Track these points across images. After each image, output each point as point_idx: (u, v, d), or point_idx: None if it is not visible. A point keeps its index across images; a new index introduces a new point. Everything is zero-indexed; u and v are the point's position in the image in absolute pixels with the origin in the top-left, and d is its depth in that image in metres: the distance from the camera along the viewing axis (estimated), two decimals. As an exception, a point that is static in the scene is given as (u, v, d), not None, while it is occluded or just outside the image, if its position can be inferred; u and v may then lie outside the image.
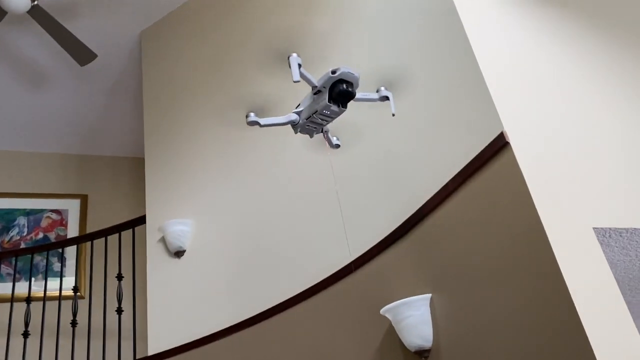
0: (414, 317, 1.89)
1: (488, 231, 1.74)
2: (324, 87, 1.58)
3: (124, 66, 4.13)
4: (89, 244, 4.35)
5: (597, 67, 2.12)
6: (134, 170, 4.93)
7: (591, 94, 2.03)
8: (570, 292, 1.47)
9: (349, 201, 2.42)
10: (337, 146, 1.81)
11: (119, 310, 3.14)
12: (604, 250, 1.70)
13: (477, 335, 1.74)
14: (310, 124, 1.66)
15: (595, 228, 1.63)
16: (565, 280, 1.49)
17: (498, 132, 1.72)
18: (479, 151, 1.77)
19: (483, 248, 1.75)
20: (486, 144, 1.75)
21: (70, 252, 4.35)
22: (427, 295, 1.93)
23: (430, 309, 1.92)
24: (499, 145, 1.70)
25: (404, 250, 2.07)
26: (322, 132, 1.75)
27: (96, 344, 3.74)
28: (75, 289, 3.29)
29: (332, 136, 1.81)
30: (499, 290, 1.68)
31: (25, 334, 3.17)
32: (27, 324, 3.20)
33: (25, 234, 4.39)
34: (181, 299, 3.02)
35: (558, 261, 1.51)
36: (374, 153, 2.34)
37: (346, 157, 2.48)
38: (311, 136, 1.76)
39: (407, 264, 2.05)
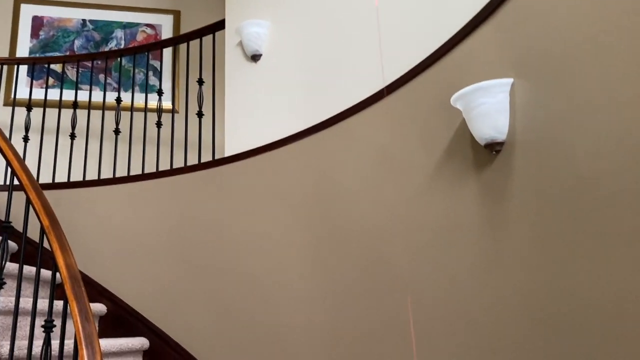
0: (487, 105, 1.62)
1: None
2: None
3: None
4: (175, 56, 4.38)
5: None
6: (225, -13, 4.74)
7: None
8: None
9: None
10: None
11: (199, 114, 3.16)
12: None
13: (565, 127, 1.45)
14: None
15: None
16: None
17: None
18: None
19: (588, 17, 1.38)
20: None
21: (163, 66, 4.42)
22: (509, 79, 1.62)
23: (510, 98, 1.63)
24: None
25: (485, 38, 1.74)
26: None
27: (178, 152, 3.90)
28: (160, 91, 3.32)
29: None
30: (601, 69, 1.34)
31: (117, 131, 3.32)
32: (117, 122, 3.33)
33: (122, 46, 4.48)
34: (255, 104, 2.95)
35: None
36: None
37: None
38: None
39: (488, 51, 1.73)
